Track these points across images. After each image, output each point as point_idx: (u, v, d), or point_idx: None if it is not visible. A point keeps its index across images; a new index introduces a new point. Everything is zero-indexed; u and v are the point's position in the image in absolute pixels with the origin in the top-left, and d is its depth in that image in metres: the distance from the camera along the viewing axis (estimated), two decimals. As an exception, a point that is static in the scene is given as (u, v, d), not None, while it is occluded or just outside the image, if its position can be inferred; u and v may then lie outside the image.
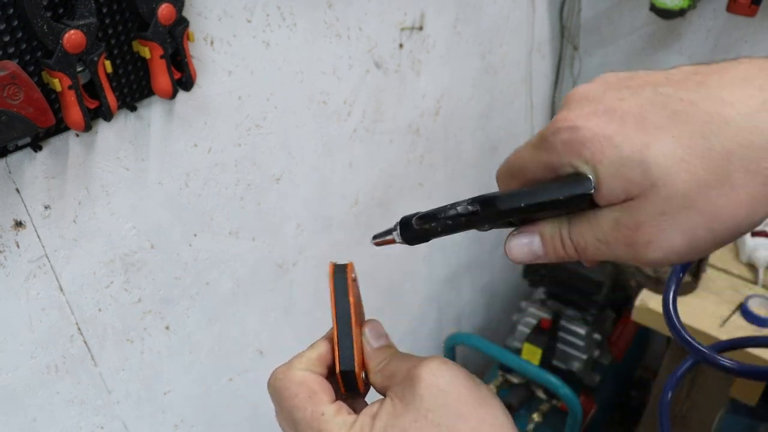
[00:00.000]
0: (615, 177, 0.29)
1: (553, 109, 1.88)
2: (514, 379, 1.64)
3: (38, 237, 0.77)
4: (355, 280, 0.41)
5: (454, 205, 0.34)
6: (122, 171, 0.83)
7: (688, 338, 0.37)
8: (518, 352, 1.64)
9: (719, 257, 1.32)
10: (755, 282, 1.25)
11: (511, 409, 1.58)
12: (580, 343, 1.63)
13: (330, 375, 0.39)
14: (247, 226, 1.05)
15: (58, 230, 0.79)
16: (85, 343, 0.87)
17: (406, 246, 0.38)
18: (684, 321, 1.17)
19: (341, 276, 0.40)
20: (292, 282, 1.19)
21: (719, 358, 0.37)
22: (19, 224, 0.74)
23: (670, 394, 0.51)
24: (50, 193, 0.76)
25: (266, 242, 1.10)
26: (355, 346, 0.38)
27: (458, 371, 0.36)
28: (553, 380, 1.43)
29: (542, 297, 1.72)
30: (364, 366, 0.39)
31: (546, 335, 1.61)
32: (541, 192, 0.32)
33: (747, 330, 1.16)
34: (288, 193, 1.11)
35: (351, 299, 0.40)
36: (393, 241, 0.38)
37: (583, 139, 0.30)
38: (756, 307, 1.18)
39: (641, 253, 0.30)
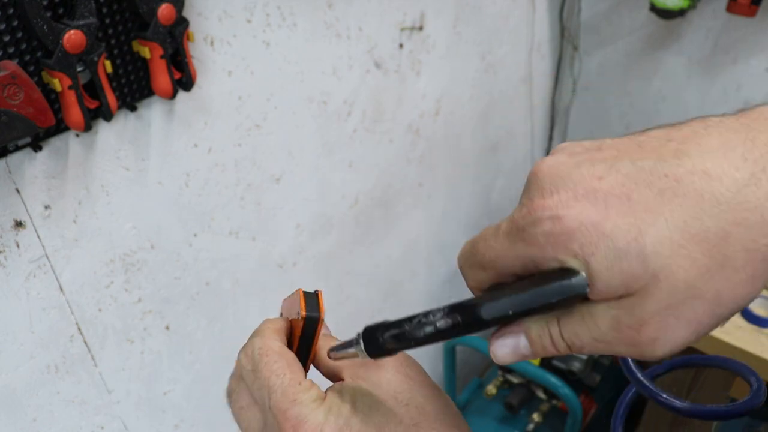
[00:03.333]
0: (611, 271, 0.27)
1: (553, 110, 1.88)
2: (514, 379, 1.64)
3: (38, 237, 0.77)
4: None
5: (428, 317, 0.30)
6: (122, 171, 0.83)
7: (635, 371, 0.35)
8: (518, 352, 1.64)
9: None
10: (755, 282, 1.26)
11: (512, 409, 1.58)
12: (580, 343, 1.63)
13: None
14: (247, 226, 1.05)
15: (58, 230, 0.79)
16: (85, 343, 0.87)
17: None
18: (684, 321, 1.17)
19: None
20: (292, 282, 1.19)
21: (661, 395, 0.35)
22: (19, 224, 0.74)
23: (620, 430, 0.48)
24: (50, 193, 0.76)
25: (266, 242, 1.10)
26: (320, 295, 0.39)
27: (420, 366, 0.37)
28: (553, 380, 1.43)
29: (542, 297, 1.72)
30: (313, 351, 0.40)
31: (546, 335, 1.61)
32: (530, 295, 0.29)
33: (747, 330, 1.16)
34: (288, 193, 1.11)
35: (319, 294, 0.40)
36: (356, 355, 0.33)
37: (569, 231, 0.27)
38: (756, 307, 1.18)
39: (646, 351, 0.28)
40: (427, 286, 1.66)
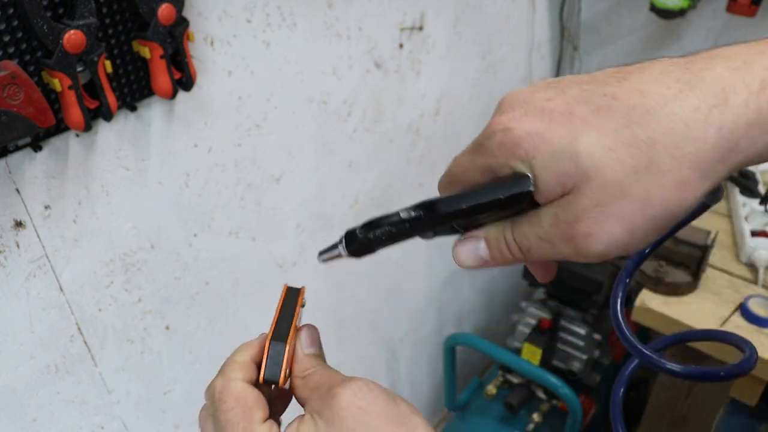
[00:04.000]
0: (549, 171, 0.30)
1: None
2: (514, 379, 1.64)
3: (38, 237, 0.77)
4: (303, 305, 0.43)
5: (397, 212, 0.34)
6: (122, 171, 0.83)
7: (633, 341, 0.38)
8: (518, 352, 1.64)
9: (719, 257, 1.32)
10: (755, 282, 1.25)
11: (512, 409, 1.58)
12: (580, 343, 1.63)
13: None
14: (247, 226, 1.05)
15: (58, 230, 0.79)
16: (85, 343, 0.87)
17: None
18: (684, 321, 1.17)
19: (293, 295, 0.43)
20: (292, 282, 1.19)
21: (663, 361, 0.38)
22: (19, 224, 0.74)
23: (621, 392, 0.52)
24: (50, 193, 0.76)
25: (266, 242, 1.11)
26: (287, 349, 0.39)
27: (379, 392, 0.36)
28: (553, 380, 1.43)
29: (542, 297, 1.72)
30: (290, 365, 0.40)
31: (546, 335, 1.61)
32: (482, 193, 0.33)
33: (747, 330, 1.16)
34: (288, 193, 1.11)
35: (297, 311, 0.41)
36: (340, 256, 0.37)
37: (517, 139, 0.31)
38: (756, 307, 1.17)
39: (582, 246, 0.31)
40: (427, 286, 1.66)
